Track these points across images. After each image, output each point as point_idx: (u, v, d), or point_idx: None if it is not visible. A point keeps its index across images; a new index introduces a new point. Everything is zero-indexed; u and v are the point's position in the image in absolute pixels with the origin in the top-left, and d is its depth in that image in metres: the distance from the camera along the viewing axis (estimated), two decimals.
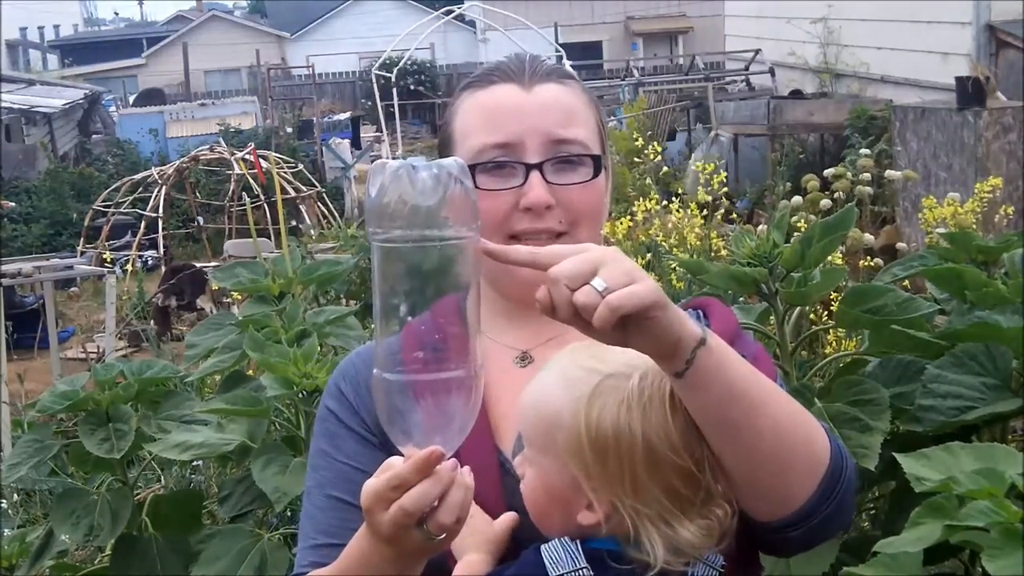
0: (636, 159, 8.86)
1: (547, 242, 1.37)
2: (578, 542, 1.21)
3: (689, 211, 4.73)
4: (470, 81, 1.47)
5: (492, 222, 1.37)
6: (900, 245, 5.98)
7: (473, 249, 1.15)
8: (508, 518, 1.28)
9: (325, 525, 1.37)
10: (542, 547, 1.22)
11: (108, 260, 10.86)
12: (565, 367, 1.24)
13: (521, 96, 1.40)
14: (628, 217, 5.05)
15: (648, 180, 6.46)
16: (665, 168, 8.05)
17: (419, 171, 1.12)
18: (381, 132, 19.71)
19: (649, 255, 4.59)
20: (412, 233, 1.11)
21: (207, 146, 14.87)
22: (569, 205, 1.38)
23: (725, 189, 4.93)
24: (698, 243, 4.56)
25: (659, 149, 7.53)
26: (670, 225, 4.76)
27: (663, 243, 4.61)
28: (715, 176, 4.85)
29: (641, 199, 5.18)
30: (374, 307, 1.17)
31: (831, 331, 3.27)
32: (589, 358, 1.20)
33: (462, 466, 1.18)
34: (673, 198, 5.00)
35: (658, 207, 4.92)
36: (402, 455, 1.16)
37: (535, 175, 1.37)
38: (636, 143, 8.38)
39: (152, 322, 9.39)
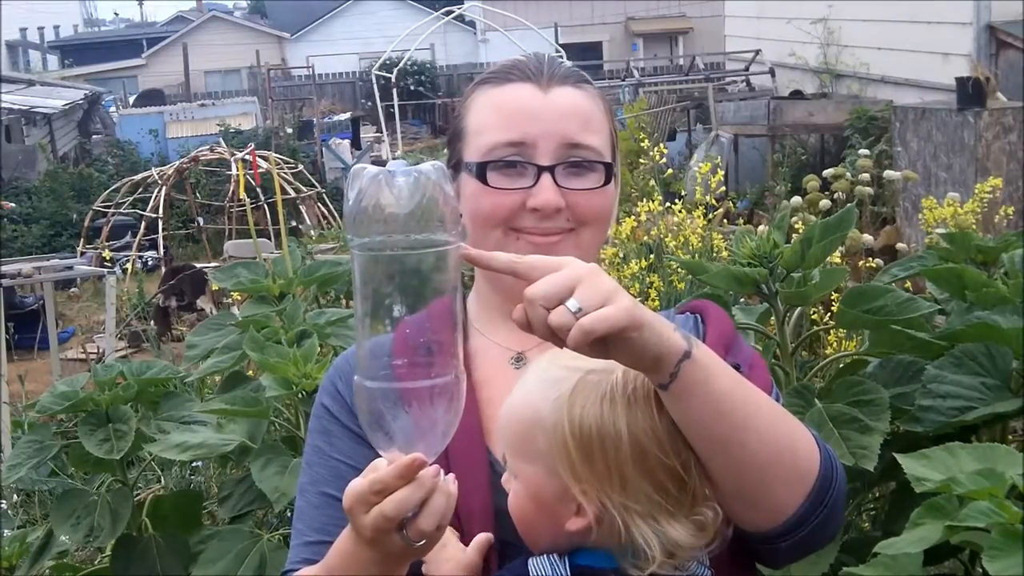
0: (641, 161, 8.86)
1: (552, 240, 1.37)
2: (566, 558, 1.19)
3: (693, 213, 4.72)
4: (486, 77, 1.45)
5: (497, 218, 1.37)
6: (900, 246, 5.98)
7: (454, 254, 1.14)
8: (482, 539, 1.27)
9: (318, 522, 1.37)
10: (529, 560, 1.21)
11: (108, 259, 10.84)
12: (544, 369, 1.22)
13: (538, 97, 1.39)
14: (632, 218, 5.04)
15: (652, 181, 6.45)
16: (670, 170, 8.04)
17: (397, 176, 1.11)
18: (381, 132, 19.73)
19: (652, 256, 4.59)
20: (391, 239, 1.11)
21: (207, 147, 14.86)
22: (576, 209, 1.38)
23: (723, 189, 4.92)
24: (700, 244, 4.56)
25: (664, 151, 7.50)
26: (673, 226, 4.75)
27: (668, 244, 4.61)
28: (713, 176, 4.84)
29: (645, 200, 5.17)
30: (355, 312, 1.16)
31: (832, 331, 3.26)
32: (570, 357, 1.17)
33: (453, 468, 1.18)
34: (677, 199, 5.00)
35: (661, 208, 4.91)
36: None
37: (546, 177, 1.37)
38: (642, 143, 8.39)
39: (152, 323, 9.39)
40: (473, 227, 1.39)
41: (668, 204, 4.93)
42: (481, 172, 1.38)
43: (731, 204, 5.66)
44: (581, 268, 1.11)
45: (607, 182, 1.40)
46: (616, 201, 1.46)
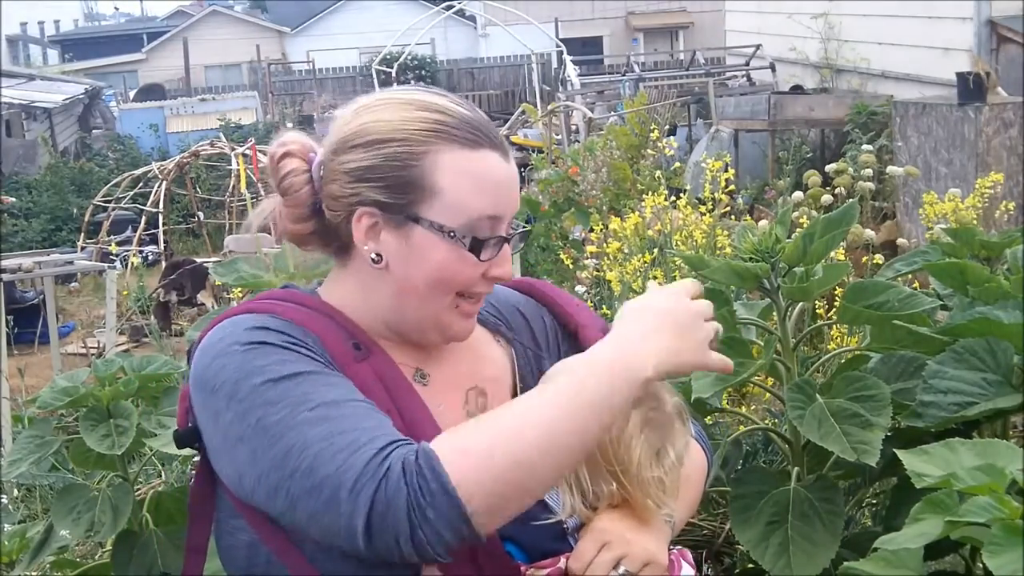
0: (650, 152, 8.87)
1: (478, 307, 1.45)
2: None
3: (699, 209, 4.72)
4: (451, 134, 1.38)
5: (463, 285, 1.40)
6: (901, 241, 5.98)
7: None
8: None
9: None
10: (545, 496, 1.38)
11: (114, 252, 10.85)
12: None
13: (505, 168, 1.40)
14: (636, 213, 5.04)
15: (658, 174, 6.44)
16: (678, 163, 8.04)
17: None
18: None
19: (655, 251, 4.59)
20: None
21: (207, 141, 14.86)
22: None
23: (733, 188, 4.92)
24: (704, 240, 4.56)
25: (675, 144, 7.48)
26: (679, 222, 4.76)
27: (675, 239, 4.61)
28: (722, 174, 4.83)
29: (650, 194, 5.17)
30: None
31: (834, 327, 3.26)
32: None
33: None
34: (681, 194, 4.99)
35: (667, 203, 4.91)
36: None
37: (507, 248, 1.41)
38: (653, 134, 8.39)
39: (153, 317, 9.39)
40: (429, 289, 1.39)
41: (673, 199, 4.92)
42: (476, 246, 1.38)
43: (740, 202, 5.65)
44: (623, 543, 1.35)
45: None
46: None
